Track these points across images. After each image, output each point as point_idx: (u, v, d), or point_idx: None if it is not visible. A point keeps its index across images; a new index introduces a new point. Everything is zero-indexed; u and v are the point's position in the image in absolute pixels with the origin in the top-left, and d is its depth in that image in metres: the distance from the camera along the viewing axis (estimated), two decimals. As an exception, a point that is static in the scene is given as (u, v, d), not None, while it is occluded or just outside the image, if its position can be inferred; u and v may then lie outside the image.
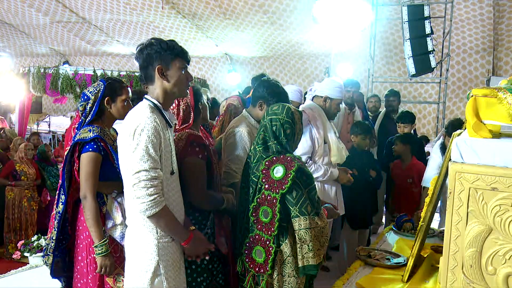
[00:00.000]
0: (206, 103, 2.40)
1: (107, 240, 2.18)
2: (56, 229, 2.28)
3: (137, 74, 8.04)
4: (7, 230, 5.30)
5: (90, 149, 2.21)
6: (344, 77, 6.37)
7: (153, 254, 1.85)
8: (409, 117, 4.51)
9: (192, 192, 2.11)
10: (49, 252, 2.31)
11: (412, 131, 4.75)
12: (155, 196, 1.78)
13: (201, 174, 2.15)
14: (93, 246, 2.17)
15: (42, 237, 4.87)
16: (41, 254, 4.57)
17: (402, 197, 4.10)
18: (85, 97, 2.36)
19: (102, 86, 2.35)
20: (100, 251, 2.14)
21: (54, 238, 2.29)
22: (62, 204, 2.28)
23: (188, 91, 2.29)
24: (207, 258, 2.04)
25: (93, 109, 2.33)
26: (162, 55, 1.89)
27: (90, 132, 2.26)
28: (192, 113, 2.27)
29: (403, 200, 4.07)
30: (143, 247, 1.87)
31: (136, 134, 1.80)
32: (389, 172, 4.47)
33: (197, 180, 2.13)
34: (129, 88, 2.45)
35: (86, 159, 2.21)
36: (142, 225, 1.87)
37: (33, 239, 4.86)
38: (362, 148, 3.85)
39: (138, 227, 1.89)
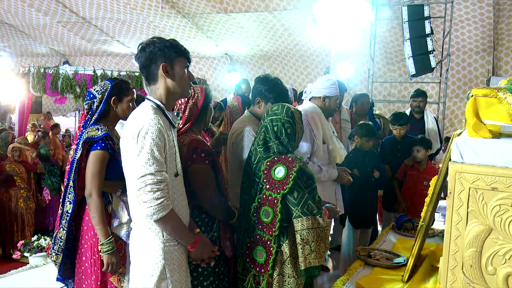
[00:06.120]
0: (212, 108, 2.37)
1: (113, 238, 2.18)
2: (65, 229, 2.27)
3: (137, 74, 8.04)
4: (4, 232, 5.30)
5: (98, 147, 2.20)
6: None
7: (159, 258, 1.83)
8: (404, 118, 4.48)
9: (204, 198, 2.11)
10: (58, 251, 2.29)
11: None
12: (162, 199, 1.75)
13: (210, 180, 2.15)
14: (99, 244, 2.16)
15: (42, 237, 4.86)
16: (41, 254, 4.58)
17: (415, 199, 4.08)
18: (91, 95, 2.35)
19: (109, 85, 2.35)
20: (106, 249, 2.13)
21: (63, 237, 2.27)
22: (70, 204, 2.27)
23: (200, 90, 2.25)
24: (212, 263, 2.03)
25: (100, 107, 2.32)
26: (166, 53, 1.85)
27: (98, 130, 2.25)
28: (197, 114, 2.23)
29: (416, 201, 4.05)
30: (148, 250, 1.85)
31: (140, 137, 1.76)
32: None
33: (206, 186, 2.13)
34: (134, 90, 2.45)
35: (94, 157, 2.19)
36: (148, 229, 1.84)
37: (33, 239, 4.86)
38: (366, 149, 3.85)
39: (144, 230, 1.86)
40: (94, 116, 2.33)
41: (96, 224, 2.15)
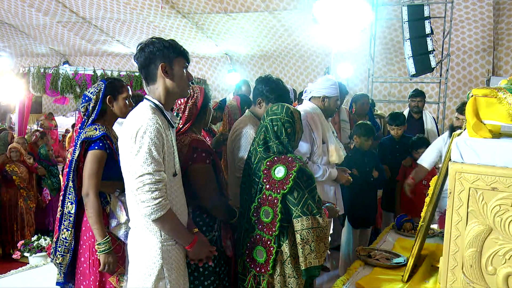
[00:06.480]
0: (211, 107, 2.39)
1: (109, 238, 2.18)
2: (69, 229, 2.27)
3: (137, 74, 8.03)
4: (4, 232, 5.30)
5: (96, 147, 2.22)
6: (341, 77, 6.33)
7: (157, 257, 1.83)
8: (400, 118, 4.48)
9: (205, 198, 2.12)
10: (64, 252, 2.29)
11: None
12: (160, 199, 1.75)
13: (211, 180, 2.16)
14: (96, 243, 2.16)
15: (42, 237, 4.86)
16: (41, 254, 4.58)
17: (414, 198, 4.08)
18: (86, 98, 2.37)
19: (103, 85, 2.36)
20: (103, 249, 2.14)
21: (68, 238, 2.28)
22: (71, 204, 2.28)
23: (199, 91, 2.26)
24: (211, 264, 2.03)
25: (96, 108, 2.34)
26: (165, 53, 1.86)
27: (96, 130, 2.27)
28: (196, 114, 2.24)
29: (415, 201, 4.06)
30: (146, 250, 1.85)
31: (138, 137, 1.76)
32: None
33: (207, 186, 2.13)
34: (129, 87, 2.46)
35: (92, 156, 2.20)
36: (146, 228, 1.85)
37: (33, 239, 4.85)
38: (365, 148, 3.85)
39: (142, 230, 1.87)
40: (91, 117, 2.35)
41: (93, 223, 2.16)
